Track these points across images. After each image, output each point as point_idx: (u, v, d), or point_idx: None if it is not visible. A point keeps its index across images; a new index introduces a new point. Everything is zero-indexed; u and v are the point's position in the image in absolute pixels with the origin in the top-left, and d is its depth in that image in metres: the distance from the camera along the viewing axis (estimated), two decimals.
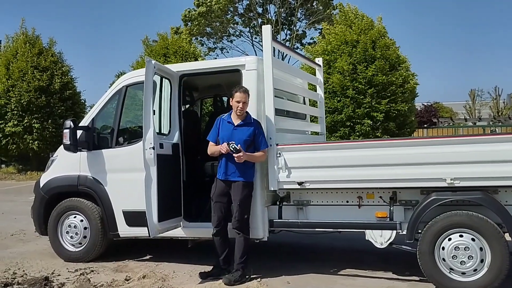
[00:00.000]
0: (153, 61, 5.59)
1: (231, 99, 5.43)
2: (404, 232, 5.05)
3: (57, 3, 73.87)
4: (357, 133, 13.18)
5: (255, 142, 5.38)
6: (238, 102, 5.32)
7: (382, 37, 13.82)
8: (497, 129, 22.79)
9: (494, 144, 4.74)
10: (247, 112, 5.44)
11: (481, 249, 4.71)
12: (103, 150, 6.38)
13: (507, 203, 4.83)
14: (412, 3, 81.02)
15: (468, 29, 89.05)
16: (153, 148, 5.39)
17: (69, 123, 6.23)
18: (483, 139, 4.97)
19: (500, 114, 36.90)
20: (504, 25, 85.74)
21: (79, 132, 6.34)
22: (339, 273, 5.73)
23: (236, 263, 5.42)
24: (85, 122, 6.54)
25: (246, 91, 5.37)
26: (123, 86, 6.45)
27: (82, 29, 78.64)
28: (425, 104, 32.72)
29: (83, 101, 23.55)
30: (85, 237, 6.47)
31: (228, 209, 5.47)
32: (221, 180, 5.42)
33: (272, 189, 5.51)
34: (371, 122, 13.01)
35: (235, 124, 5.39)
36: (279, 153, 5.40)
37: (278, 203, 5.70)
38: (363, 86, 12.91)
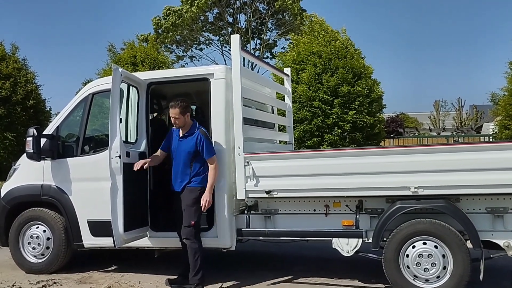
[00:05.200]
0: (120, 69, 5.53)
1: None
2: (370, 240, 5.13)
3: (22, 9, 72.39)
4: (326, 143, 13.32)
5: (200, 152, 5.38)
6: (171, 117, 5.43)
7: (347, 48, 14.06)
8: (459, 139, 23.42)
9: (456, 154, 4.88)
10: (195, 122, 5.53)
11: (443, 256, 4.82)
12: (68, 159, 6.25)
13: (468, 211, 4.96)
14: (375, 16, 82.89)
15: (432, 44, 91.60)
16: (119, 156, 5.32)
17: (32, 131, 6.08)
18: (445, 148, 5.12)
19: (463, 124, 37.96)
20: (464, 40, 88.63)
21: (43, 140, 6.20)
22: (306, 281, 5.75)
23: (191, 276, 5.30)
24: (49, 130, 6.39)
25: (177, 106, 5.35)
26: (89, 94, 6.35)
27: (48, 36, 77.14)
28: (392, 115, 33.41)
29: (48, 109, 23.00)
30: (48, 248, 6.30)
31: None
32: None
33: (240, 197, 5.50)
34: (340, 131, 13.17)
35: (180, 136, 5.48)
36: (247, 162, 5.41)
37: (246, 211, 5.69)
38: (328, 97, 13.08)
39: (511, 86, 13.94)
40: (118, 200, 5.34)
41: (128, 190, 5.41)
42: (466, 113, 41.43)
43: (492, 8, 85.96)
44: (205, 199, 5.31)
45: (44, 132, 6.31)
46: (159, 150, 5.72)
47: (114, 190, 5.34)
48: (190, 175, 5.43)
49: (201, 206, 5.31)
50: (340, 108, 13.21)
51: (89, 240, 6.12)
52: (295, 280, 5.81)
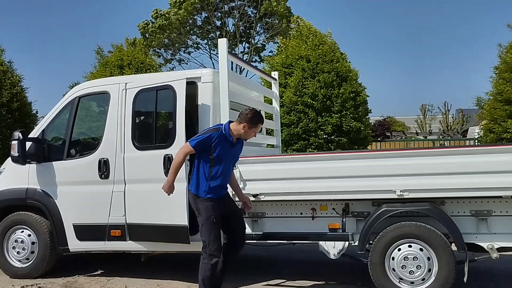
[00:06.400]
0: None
1: (246, 124, 4.71)
2: (356, 243, 5.16)
3: (8, 11, 71.70)
4: (312, 146, 13.38)
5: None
6: (257, 131, 4.92)
7: (333, 52, 14.15)
8: (446, 143, 23.62)
9: (441, 157, 4.93)
10: None
11: (428, 258, 4.86)
12: (53, 162, 6.20)
13: (453, 214, 5.02)
14: (361, 21, 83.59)
15: (418, 49, 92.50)
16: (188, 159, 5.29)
17: (17, 134, 6.04)
18: (430, 152, 5.16)
19: (449, 128, 38.30)
20: (450, 45, 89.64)
21: (28, 144, 6.15)
22: (294, 284, 5.77)
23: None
24: (35, 133, 6.34)
25: None
26: (76, 97, 6.31)
27: (35, 38, 76.42)
28: (379, 118, 33.65)
29: (34, 112, 22.76)
30: (32, 252, 6.24)
31: None
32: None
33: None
34: (325, 135, 13.25)
35: (234, 143, 4.85)
36: (235, 166, 5.41)
37: None
38: (310, 100, 13.20)
39: (496, 91, 14.07)
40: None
41: None
42: (453, 117, 41.75)
43: (478, 13, 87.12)
44: (250, 203, 5.18)
45: (29, 136, 6.27)
46: (191, 149, 4.74)
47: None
48: None
49: (247, 210, 5.18)
50: (320, 112, 13.31)
51: (75, 244, 6.07)
52: (283, 284, 5.82)
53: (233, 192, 5.19)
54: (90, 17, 70.95)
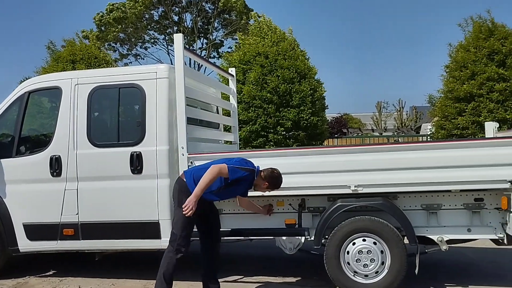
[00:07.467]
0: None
1: (267, 184, 4.87)
2: (312, 238, 5.22)
3: None
4: (271, 142, 13.47)
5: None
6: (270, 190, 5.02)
7: (293, 49, 14.28)
8: (400, 139, 24.28)
9: (394, 153, 5.05)
10: None
11: (382, 252, 4.98)
12: (1, 160, 5.97)
13: (405, 208, 5.16)
14: (317, 19, 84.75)
15: (373, 47, 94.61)
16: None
17: None
18: (383, 148, 5.29)
19: (403, 125, 39.35)
20: (404, 44, 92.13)
21: None
22: (251, 280, 5.79)
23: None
24: None
25: None
26: (25, 92, 6.09)
27: None
28: (336, 115, 34.25)
29: None
30: None
31: None
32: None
33: None
34: (283, 129, 13.38)
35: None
36: (191, 162, 5.37)
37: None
38: (270, 95, 13.30)
39: (447, 89, 14.57)
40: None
41: None
42: (407, 114, 42.91)
43: (429, 14, 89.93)
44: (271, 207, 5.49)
45: None
46: (226, 175, 4.76)
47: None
48: None
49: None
50: (279, 107, 13.44)
51: (25, 245, 5.87)
52: (240, 280, 5.83)
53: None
54: (44, 10, 68.67)
